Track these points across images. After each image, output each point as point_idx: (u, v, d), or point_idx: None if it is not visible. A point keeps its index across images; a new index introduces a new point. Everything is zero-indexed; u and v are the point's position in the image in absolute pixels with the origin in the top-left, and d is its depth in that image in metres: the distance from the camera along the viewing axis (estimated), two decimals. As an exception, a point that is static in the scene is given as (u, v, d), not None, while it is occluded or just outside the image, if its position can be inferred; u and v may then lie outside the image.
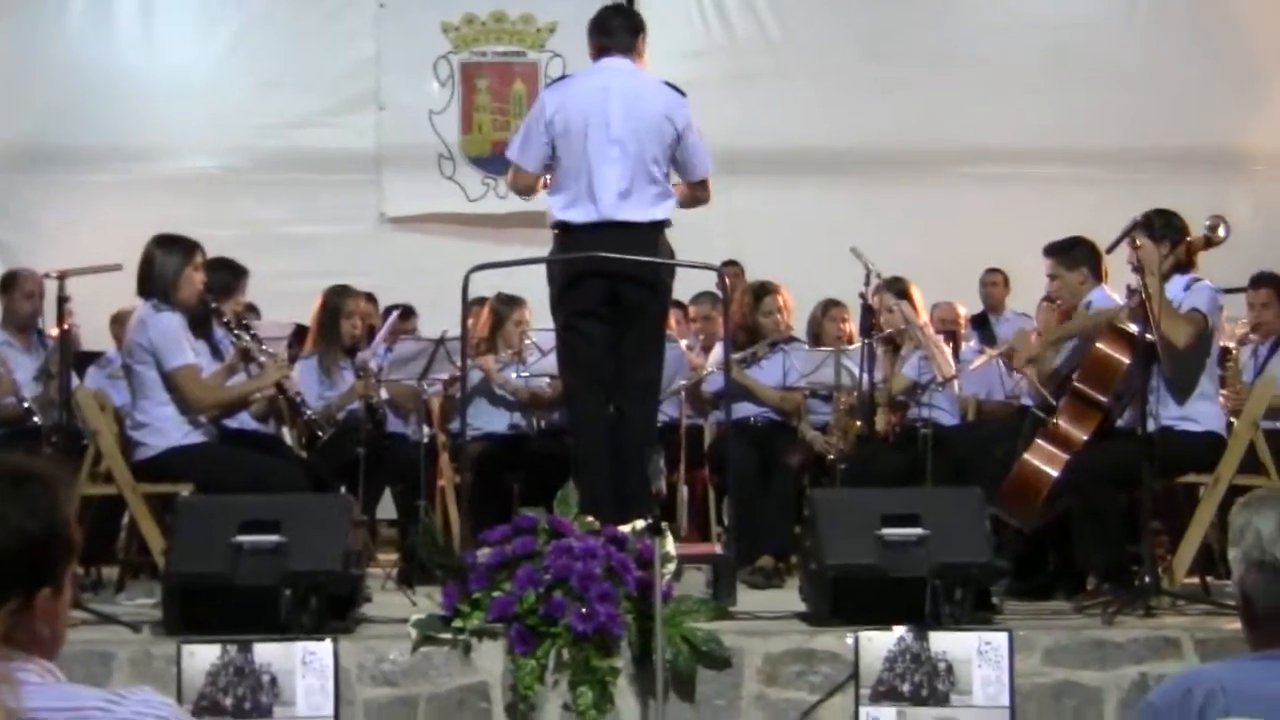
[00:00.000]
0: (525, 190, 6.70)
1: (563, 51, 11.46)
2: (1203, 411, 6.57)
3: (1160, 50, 11.84)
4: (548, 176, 6.54)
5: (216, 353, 7.06)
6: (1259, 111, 11.78)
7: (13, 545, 2.11)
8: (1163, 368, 6.39)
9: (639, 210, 6.36)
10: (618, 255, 6.23)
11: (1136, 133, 11.54)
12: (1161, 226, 6.46)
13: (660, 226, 6.44)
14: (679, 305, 9.05)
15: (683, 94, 6.51)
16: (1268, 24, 11.99)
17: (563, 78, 7.06)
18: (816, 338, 8.52)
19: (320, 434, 7.39)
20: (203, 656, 5.25)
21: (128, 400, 6.86)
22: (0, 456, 2.21)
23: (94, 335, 8.70)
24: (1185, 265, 6.55)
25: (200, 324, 6.93)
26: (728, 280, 7.42)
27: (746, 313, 8.27)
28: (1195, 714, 2.41)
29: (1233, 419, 6.84)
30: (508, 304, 8.44)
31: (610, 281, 6.32)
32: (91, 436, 6.78)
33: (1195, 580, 6.92)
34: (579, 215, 6.38)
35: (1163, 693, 2.50)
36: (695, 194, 6.64)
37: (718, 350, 8.06)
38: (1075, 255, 7.07)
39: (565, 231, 6.44)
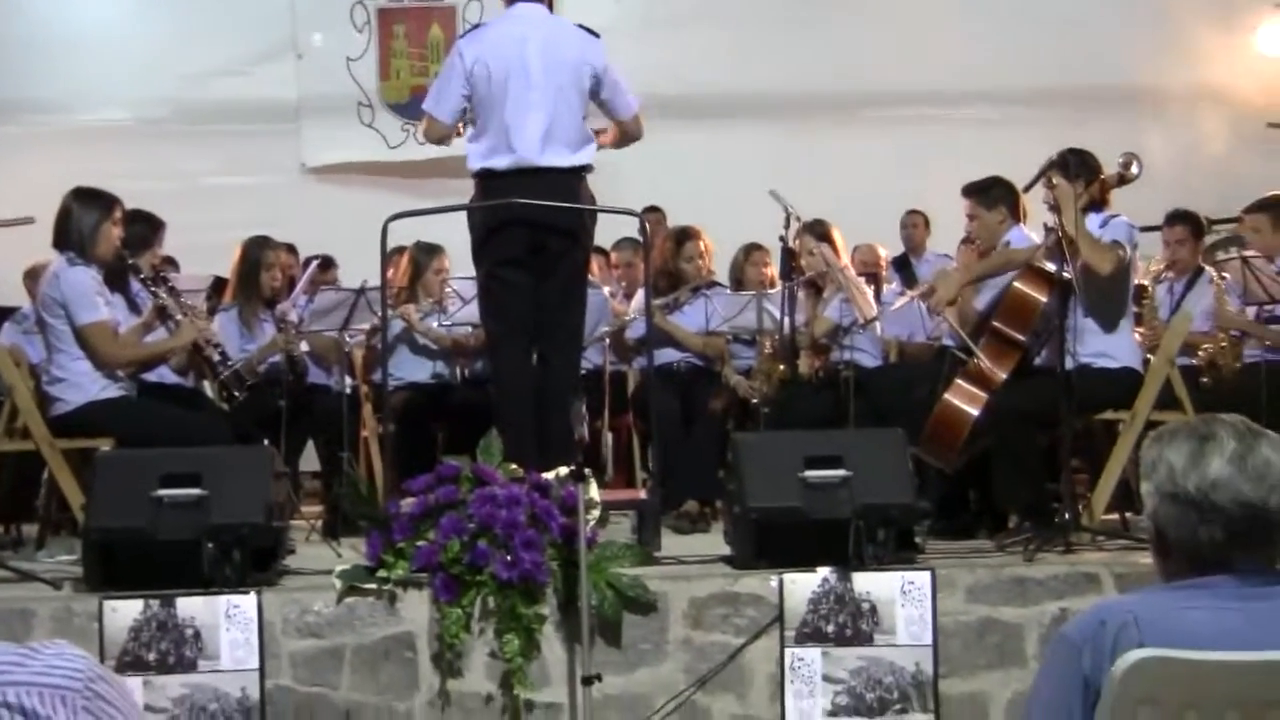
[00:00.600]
0: (439, 140, 6.70)
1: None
2: (1120, 348, 6.63)
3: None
4: (462, 125, 6.52)
5: (134, 307, 6.98)
6: (1171, 50, 11.86)
7: None
8: (1081, 304, 6.44)
9: (559, 156, 6.36)
10: (538, 202, 6.22)
11: (1052, 73, 11.60)
12: (1076, 165, 6.50)
13: (581, 172, 6.44)
14: (601, 252, 9.04)
15: (597, 35, 6.52)
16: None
17: (476, 27, 7.02)
18: (739, 282, 8.53)
19: (239, 389, 7.34)
20: (125, 612, 5.23)
21: (44, 356, 6.77)
22: None
23: (7, 290, 8.58)
24: (1100, 203, 6.60)
25: (117, 278, 6.85)
26: (648, 226, 7.41)
27: (668, 258, 8.27)
28: (1109, 645, 2.44)
29: (1149, 356, 6.91)
30: (427, 252, 8.39)
31: (532, 229, 6.31)
32: (7, 392, 6.69)
33: (1114, 516, 7.02)
34: (500, 162, 6.38)
35: (1077, 625, 2.53)
36: (627, 130, 6.65)
37: (640, 296, 8.05)
38: (993, 195, 7.11)
39: (487, 179, 6.42)
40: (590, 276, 7.03)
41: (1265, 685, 2.42)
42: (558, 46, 6.43)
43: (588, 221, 6.53)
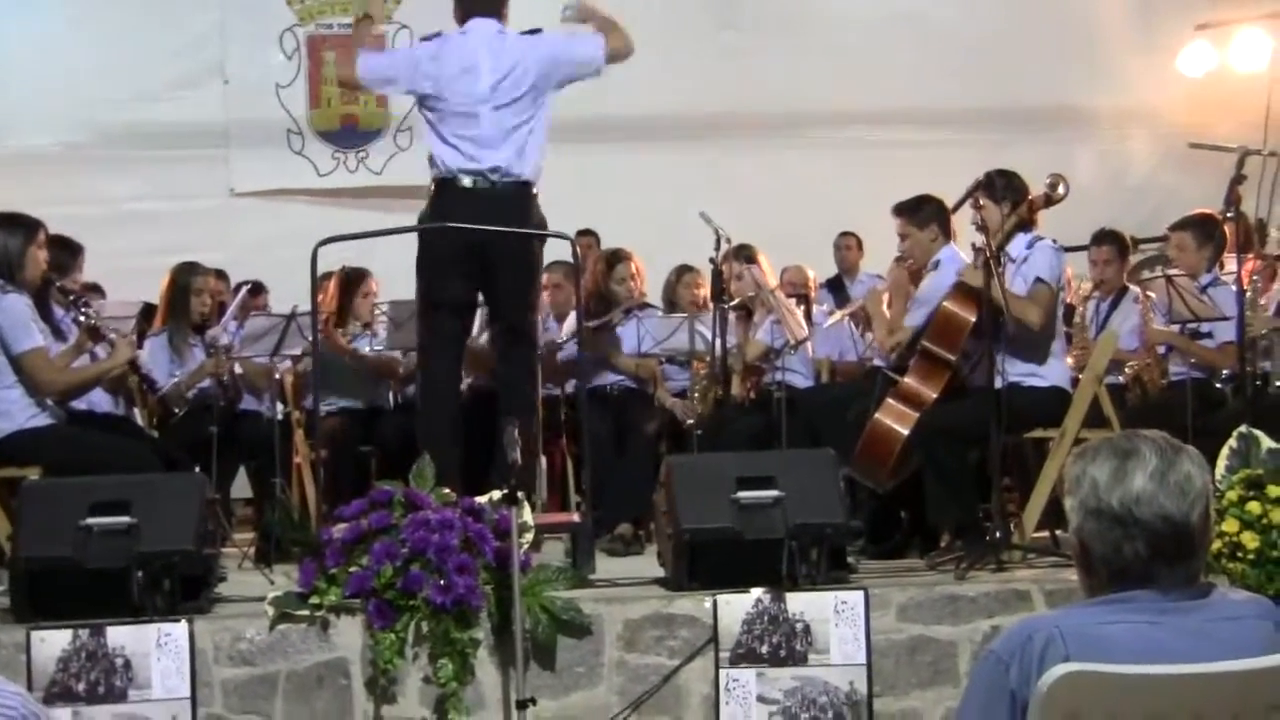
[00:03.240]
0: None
1: (409, 23, 11.34)
2: (1048, 368, 6.69)
3: (1003, 13, 12.01)
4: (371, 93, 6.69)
5: (58, 333, 6.91)
6: (1100, 72, 11.99)
7: None
8: (1009, 324, 6.49)
9: (507, 172, 6.48)
10: (474, 226, 6.27)
11: (982, 95, 11.71)
12: (1002, 187, 6.57)
13: (527, 189, 6.53)
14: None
15: (538, 30, 6.68)
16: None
17: (437, 34, 7.01)
18: (671, 304, 8.56)
19: (175, 412, 7.30)
20: (53, 642, 5.17)
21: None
22: None
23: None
24: (1028, 223, 6.66)
25: (41, 303, 6.79)
26: (580, 249, 7.42)
27: (600, 280, 8.28)
28: (1036, 660, 2.46)
29: (1079, 375, 6.98)
30: (354, 277, 8.38)
31: (473, 245, 6.37)
32: (-67, 421, 6.61)
33: (1045, 534, 7.06)
34: (450, 171, 6.49)
35: (1005, 641, 2.55)
36: (614, 45, 6.74)
37: (572, 319, 8.06)
38: (924, 214, 7.14)
39: (438, 187, 6.53)
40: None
41: (1187, 698, 2.45)
42: (509, 58, 6.55)
43: (533, 241, 6.63)
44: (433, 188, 6.61)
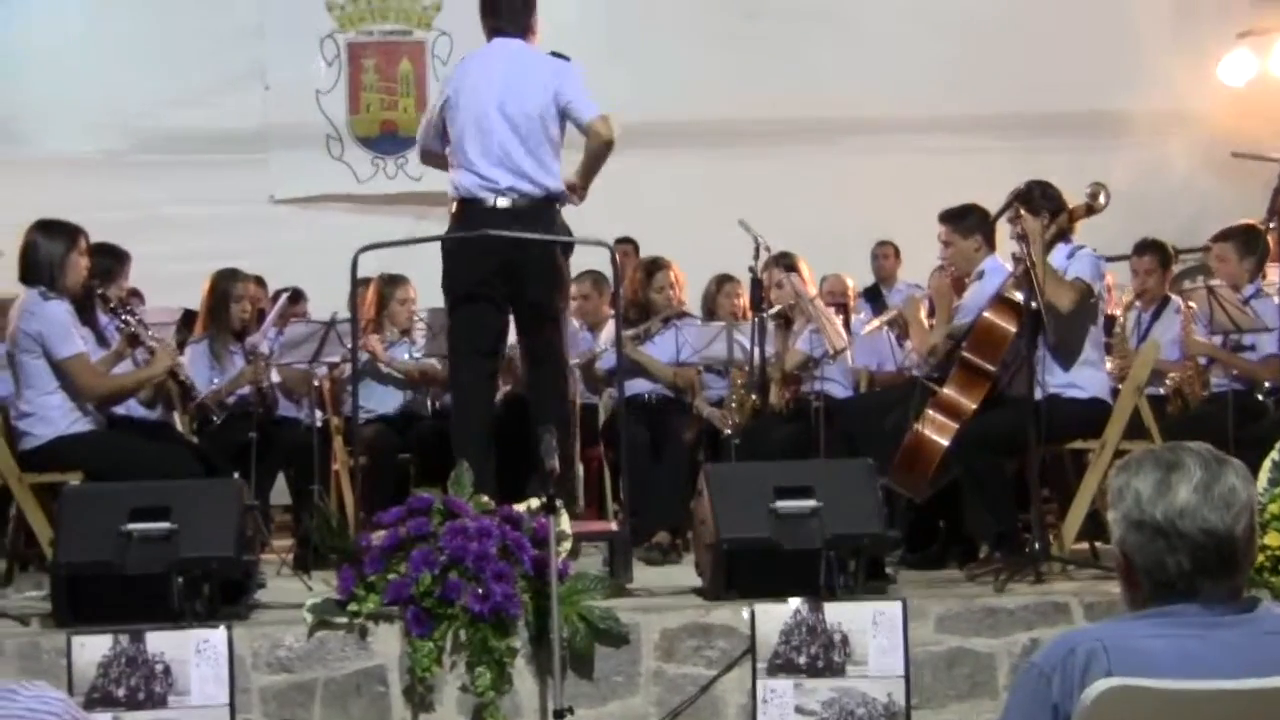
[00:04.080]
0: (430, 164, 6.87)
1: (450, 29, 11.41)
2: (1088, 378, 6.66)
3: (1043, 18, 11.95)
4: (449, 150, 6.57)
5: (101, 339, 6.94)
6: (1140, 78, 11.93)
7: None
8: (1049, 335, 6.47)
9: (528, 185, 6.38)
10: (509, 233, 6.24)
11: (1018, 99, 11.66)
12: (1040, 197, 6.54)
13: (552, 200, 6.46)
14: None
15: (567, 58, 6.54)
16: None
17: (462, 60, 7.02)
18: (711, 313, 8.56)
19: (214, 419, 7.33)
20: (93, 648, 5.19)
21: (11, 390, 6.74)
22: None
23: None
24: (1067, 233, 6.63)
25: (84, 310, 6.82)
26: (619, 257, 7.41)
27: (638, 289, 8.29)
28: (1078, 674, 2.45)
29: (1119, 387, 6.94)
30: (392, 283, 8.41)
31: (500, 255, 6.33)
32: (-27, 427, 6.67)
33: (1084, 546, 7.02)
34: (471, 192, 6.40)
35: (1047, 653, 2.53)
36: (593, 142, 6.51)
37: (610, 328, 8.06)
38: (969, 222, 7.11)
39: (462, 205, 6.47)
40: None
41: (1231, 714, 2.43)
42: (526, 76, 6.46)
43: (559, 251, 6.54)
44: (454, 208, 6.55)
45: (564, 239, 6.53)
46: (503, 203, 6.36)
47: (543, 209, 6.41)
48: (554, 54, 6.58)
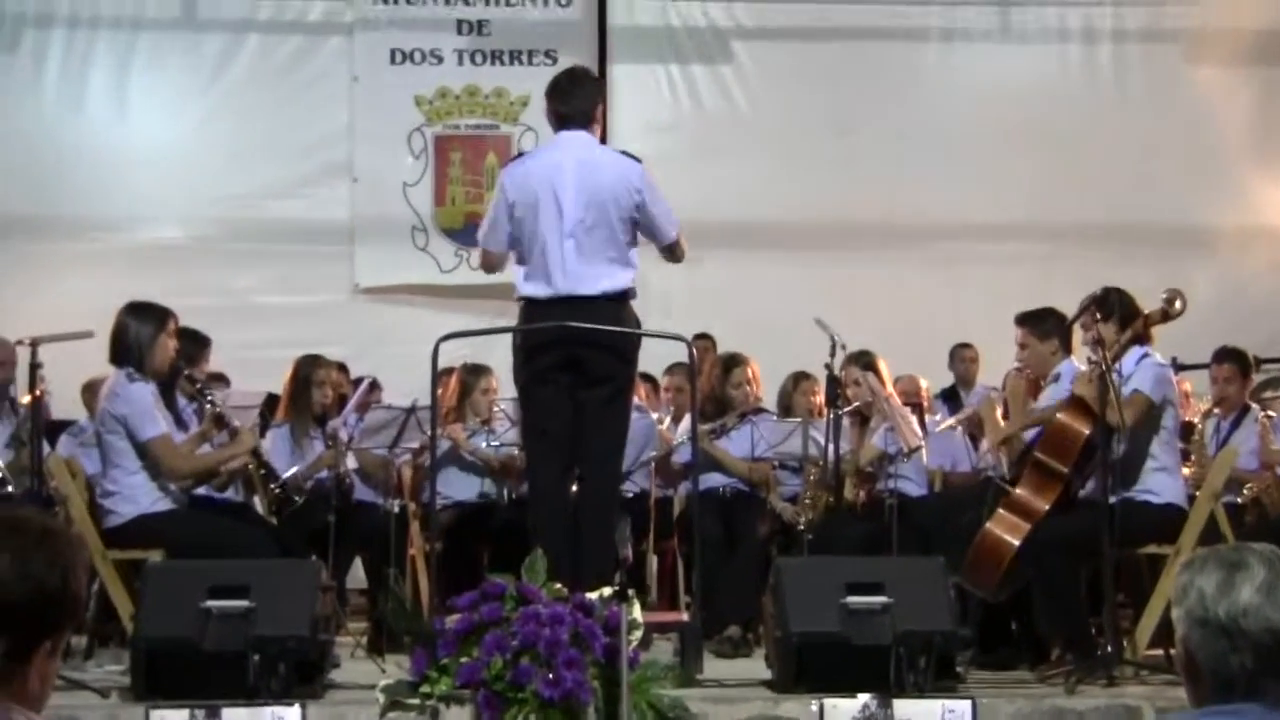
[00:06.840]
0: (492, 269, 6.75)
1: (535, 125, 11.54)
2: (1162, 484, 6.64)
3: (1125, 128, 11.98)
4: (513, 253, 6.58)
5: (179, 422, 7.04)
6: (1222, 190, 11.93)
7: (31, 596, 2.13)
8: (1124, 439, 6.47)
9: (595, 284, 6.36)
10: (585, 325, 6.28)
11: (1099, 209, 11.68)
12: (1114, 304, 6.57)
13: (620, 299, 6.44)
14: (649, 379, 9.11)
15: (638, 160, 6.52)
16: (1229, 101, 12.18)
17: (519, 155, 7.07)
18: (787, 409, 8.61)
19: (295, 500, 7.44)
20: (170, 721, 5.27)
21: (98, 468, 6.88)
22: (23, 512, 2.25)
23: (62, 403, 8.70)
24: (1143, 338, 6.65)
25: (166, 391, 6.95)
26: (697, 352, 7.48)
27: (716, 384, 8.36)
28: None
29: (1195, 494, 6.91)
30: (474, 373, 8.51)
31: (569, 349, 6.37)
32: (62, 503, 6.80)
33: (1158, 651, 6.97)
34: (539, 291, 6.39)
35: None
36: (666, 257, 6.69)
37: (687, 421, 8.12)
38: (1047, 326, 7.13)
39: (529, 305, 6.47)
40: (638, 401, 7.08)
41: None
42: (595, 172, 6.40)
43: (629, 344, 6.53)
44: (521, 305, 6.52)
45: (641, 332, 6.57)
46: (569, 302, 6.32)
47: (611, 305, 6.39)
48: (624, 153, 6.63)
